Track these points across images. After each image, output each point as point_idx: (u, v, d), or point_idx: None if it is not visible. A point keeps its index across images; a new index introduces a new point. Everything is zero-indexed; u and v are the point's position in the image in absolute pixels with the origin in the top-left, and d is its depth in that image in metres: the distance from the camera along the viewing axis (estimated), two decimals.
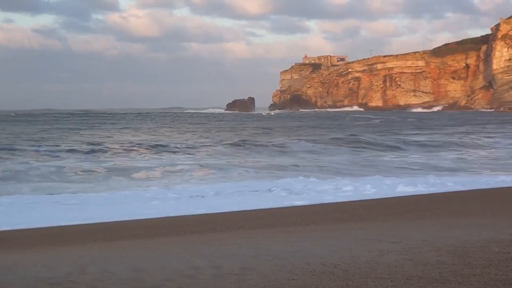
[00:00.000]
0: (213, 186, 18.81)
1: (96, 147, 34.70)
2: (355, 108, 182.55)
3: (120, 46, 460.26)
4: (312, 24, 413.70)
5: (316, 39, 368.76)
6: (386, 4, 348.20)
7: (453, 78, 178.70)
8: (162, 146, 35.39)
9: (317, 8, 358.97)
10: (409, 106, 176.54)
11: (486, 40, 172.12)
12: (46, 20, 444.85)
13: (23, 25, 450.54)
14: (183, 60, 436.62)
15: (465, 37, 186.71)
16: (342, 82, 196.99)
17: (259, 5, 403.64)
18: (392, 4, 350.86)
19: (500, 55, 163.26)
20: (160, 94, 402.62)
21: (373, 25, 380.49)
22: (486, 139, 43.84)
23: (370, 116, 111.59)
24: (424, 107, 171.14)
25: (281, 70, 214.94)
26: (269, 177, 21.80)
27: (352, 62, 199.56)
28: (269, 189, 17.76)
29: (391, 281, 5.93)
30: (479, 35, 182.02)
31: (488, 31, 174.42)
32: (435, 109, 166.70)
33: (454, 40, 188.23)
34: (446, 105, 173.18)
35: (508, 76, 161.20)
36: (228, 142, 38.95)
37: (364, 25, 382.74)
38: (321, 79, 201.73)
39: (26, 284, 6.27)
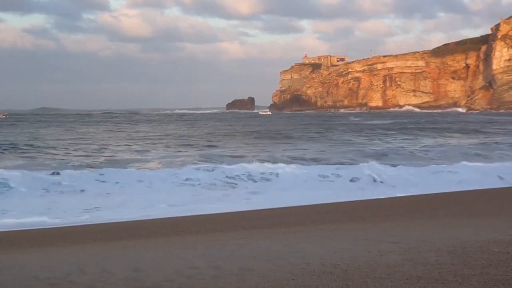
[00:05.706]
0: None
1: None
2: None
3: (114, 46, 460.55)
4: (305, 24, 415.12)
5: (311, 39, 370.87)
6: (376, 4, 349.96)
7: (453, 78, 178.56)
8: None
9: (307, 8, 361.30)
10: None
11: (486, 40, 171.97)
12: (36, 20, 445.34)
13: (14, 25, 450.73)
14: (179, 60, 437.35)
15: (458, 37, 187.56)
16: (342, 82, 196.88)
17: (249, 5, 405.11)
18: (383, 4, 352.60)
19: (500, 55, 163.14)
20: (158, 95, 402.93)
21: (365, 25, 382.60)
22: None
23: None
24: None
25: (281, 70, 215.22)
26: None
27: (352, 62, 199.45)
28: None
29: (391, 281, 5.92)
30: (472, 35, 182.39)
31: (482, 31, 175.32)
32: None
33: (448, 40, 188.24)
34: (446, 105, 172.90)
35: (508, 76, 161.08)
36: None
37: (356, 25, 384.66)
38: (321, 79, 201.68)
39: (26, 284, 6.27)
